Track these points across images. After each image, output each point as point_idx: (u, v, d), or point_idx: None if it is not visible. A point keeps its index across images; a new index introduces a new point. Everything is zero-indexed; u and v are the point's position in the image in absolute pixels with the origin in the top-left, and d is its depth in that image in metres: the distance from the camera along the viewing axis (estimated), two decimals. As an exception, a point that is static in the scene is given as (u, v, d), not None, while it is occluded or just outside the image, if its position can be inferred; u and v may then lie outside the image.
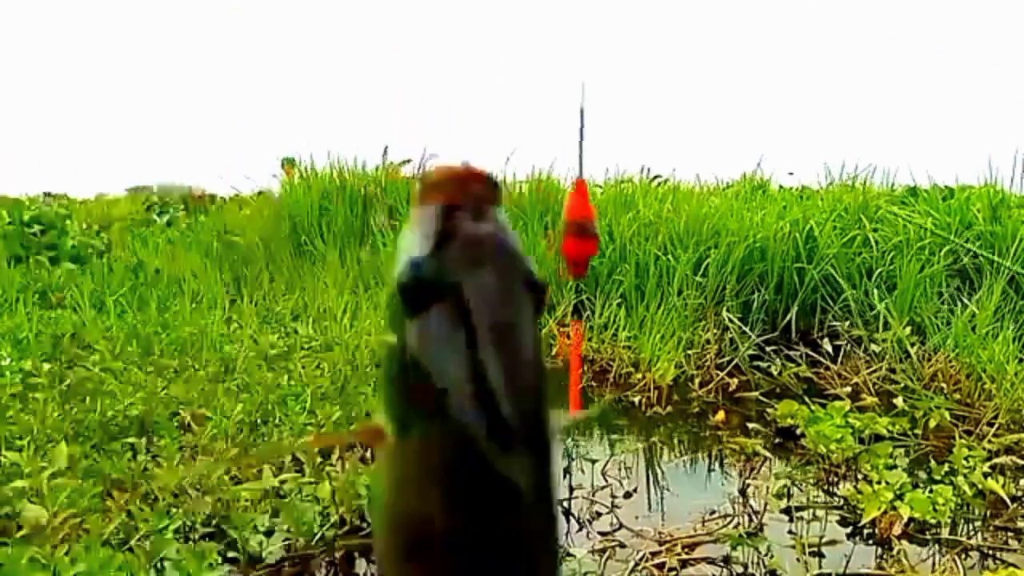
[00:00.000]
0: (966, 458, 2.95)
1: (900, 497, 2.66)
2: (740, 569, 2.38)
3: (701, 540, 2.54)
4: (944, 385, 3.96)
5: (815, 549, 2.48)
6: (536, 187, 6.65)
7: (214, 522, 2.51)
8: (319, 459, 2.89)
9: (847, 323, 4.75)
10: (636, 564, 2.39)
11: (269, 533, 2.48)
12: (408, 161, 7.63)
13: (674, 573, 2.34)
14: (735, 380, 4.37)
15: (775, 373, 4.42)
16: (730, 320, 4.76)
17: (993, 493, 2.79)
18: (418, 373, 0.47)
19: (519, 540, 0.49)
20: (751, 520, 2.68)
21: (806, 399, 3.64)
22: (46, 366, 3.87)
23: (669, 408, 4.03)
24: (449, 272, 0.46)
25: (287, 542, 2.43)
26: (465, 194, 0.47)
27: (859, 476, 3.00)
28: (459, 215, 0.47)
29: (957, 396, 3.85)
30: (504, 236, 0.48)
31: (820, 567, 2.37)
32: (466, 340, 0.46)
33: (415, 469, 0.48)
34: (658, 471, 3.26)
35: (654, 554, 2.44)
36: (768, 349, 4.67)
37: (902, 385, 3.98)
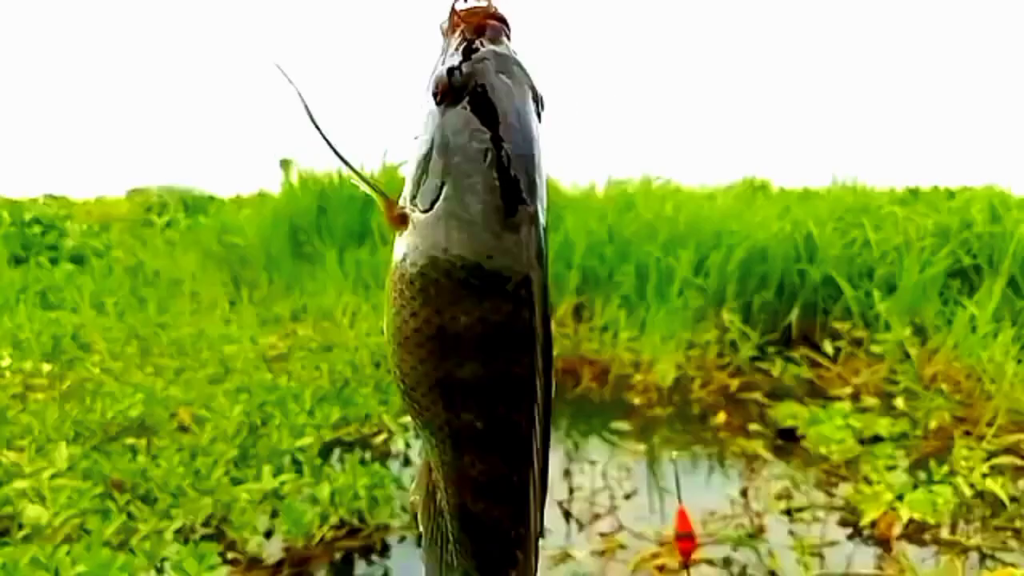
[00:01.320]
0: (966, 459, 2.95)
1: (900, 498, 2.66)
2: (740, 570, 2.38)
3: (702, 541, 2.53)
4: (944, 386, 3.96)
5: (815, 550, 2.48)
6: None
7: (214, 523, 2.51)
8: (318, 461, 2.89)
9: (848, 324, 4.75)
10: (636, 565, 2.39)
11: (268, 534, 2.48)
12: (408, 161, 7.63)
13: (674, 574, 2.34)
14: (736, 381, 4.37)
15: (776, 374, 4.41)
16: (731, 321, 4.76)
17: (992, 493, 2.79)
18: (444, 157, 0.55)
19: (518, 324, 0.55)
20: (752, 521, 2.68)
21: (807, 400, 3.64)
22: (46, 366, 3.87)
23: (670, 409, 4.03)
24: (476, 73, 0.56)
25: (286, 543, 2.43)
26: (485, 23, 0.57)
27: (859, 477, 3.00)
28: (482, 39, 0.57)
29: (957, 397, 3.85)
30: (516, 54, 0.58)
31: (820, 568, 2.37)
32: (488, 126, 0.55)
33: (430, 242, 0.55)
34: (658, 472, 3.26)
35: (654, 555, 2.44)
36: (769, 350, 4.67)
37: (902, 386, 3.98)
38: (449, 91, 0.56)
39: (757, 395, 4.14)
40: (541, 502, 0.59)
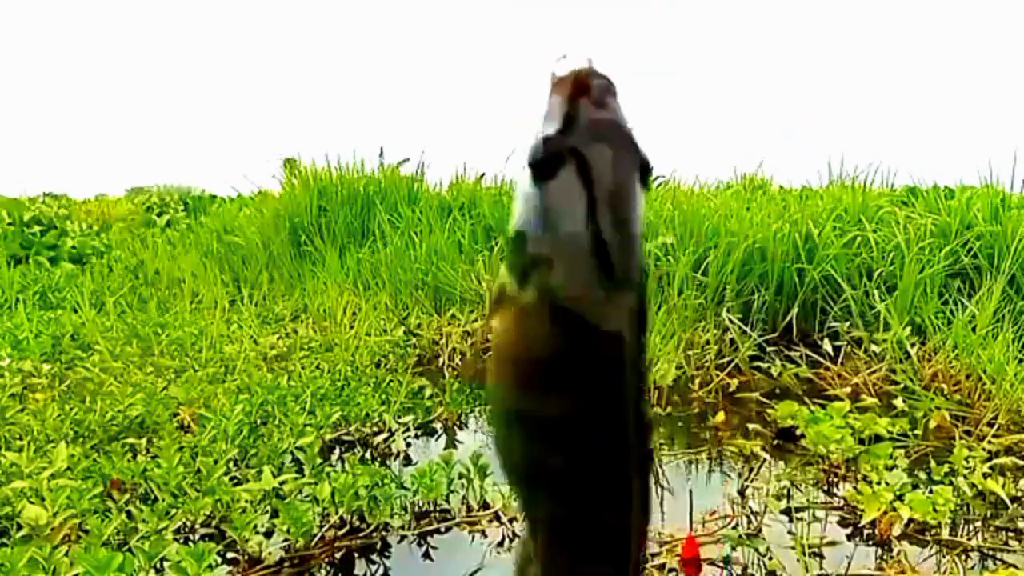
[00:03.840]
0: (966, 459, 2.95)
1: (900, 498, 2.66)
2: (740, 570, 2.37)
3: (701, 541, 2.53)
4: (944, 386, 3.96)
5: (815, 550, 2.48)
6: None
7: (214, 523, 2.51)
8: (318, 460, 2.89)
9: (847, 324, 4.75)
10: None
11: (268, 534, 2.48)
12: (407, 160, 7.63)
13: (674, 573, 2.34)
14: (735, 381, 4.37)
15: (775, 374, 4.41)
16: (730, 320, 4.76)
17: (993, 494, 2.79)
18: (541, 234, 0.56)
19: (619, 381, 0.58)
20: (751, 521, 2.68)
21: (806, 400, 3.64)
22: (46, 366, 3.87)
23: (669, 409, 4.03)
24: (574, 144, 0.56)
25: (286, 543, 2.43)
26: (588, 86, 0.57)
27: (859, 477, 3.00)
28: (583, 103, 0.56)
29: (957, 397, 3.85)
30: (621, 119, 0.58)
31: (820, 568, 2.37)
32: (586, 200, 0.56)
33: (530, 318, 0.57)
34: (658, 472, 3.25)
35: (654, 554, 2.44)
36: (768, 350, 4.67)
37: (902, 386, 3.97)
38: (545, 162, 0.56)
39: (756, 395, 4.14)
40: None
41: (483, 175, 7.41)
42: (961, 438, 3.27)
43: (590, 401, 0.57)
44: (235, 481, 2.74)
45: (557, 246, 0.55)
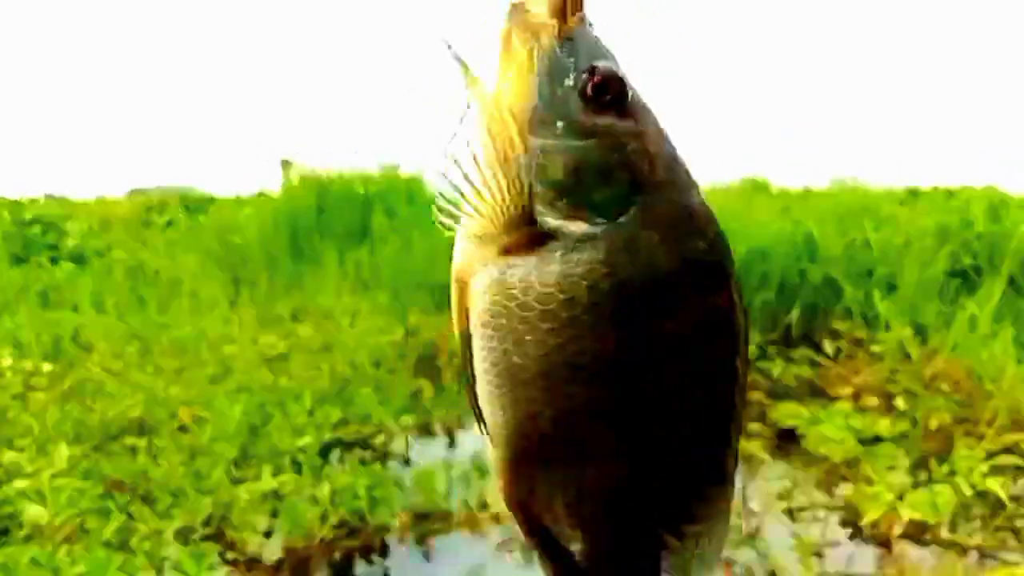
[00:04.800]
0: (966, 459, 2.95)
1: (900, 498, 2.66)
2: (740, 570, 2.37)
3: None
4: (944, 386, 3.96)
5: (816, 550, 2.48)
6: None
7: (214, 523, 2.51)
8: (318, 461, 2.89)
9: (848, 324, 4.75)
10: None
11: (268, 534, 2.48)
12: (407, 161, 7.63)
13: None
14: (735, 381, 4.36)
15: (776, 374, 4.41)
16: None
17: (993, 493, 2.79)
18: (632, 160, 0.51)
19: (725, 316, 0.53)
20: (752, 521, 2.68)
21: (807, 400, 3.64)
22: (46, 366, 3.87)
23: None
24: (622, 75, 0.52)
25: (286, 543, 2.43)
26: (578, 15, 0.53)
27: (860, 477, 3.00)
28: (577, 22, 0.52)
29: (957, 397, 3.85)
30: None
31: (820, 568, 2.37)
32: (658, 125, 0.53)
33: (629, 255, 0.50)
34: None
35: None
36: (769, 350, 4.67)
37: (903, 386, 3.97)
38: (621, 90, 0.51)
39: (757, 395, 4.14)
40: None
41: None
42: (961, 438, 3.27)
43: None
44: (235, 481, 2.74)
45: (654, 175, 0.51)
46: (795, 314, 5.00)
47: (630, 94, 0.51)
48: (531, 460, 0.53)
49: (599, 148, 0.50)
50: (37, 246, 8.13)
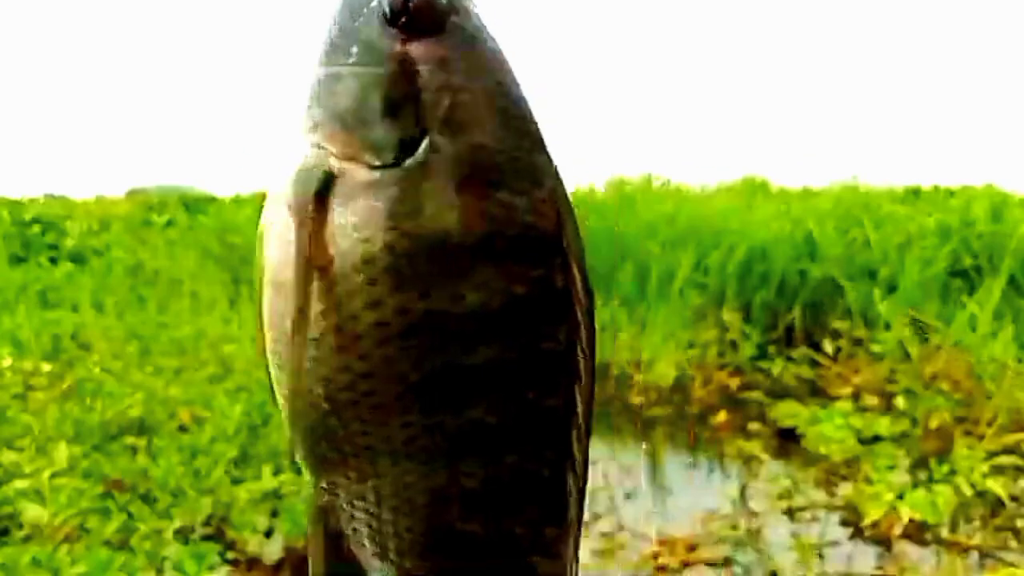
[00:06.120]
0: (966, 458, 2.95)
1: (900, 498, 2.66)
2: (740, 570, 2.37)
3: (701, 541, 2.53)
4: (944, 385, 3.96)
5: (816, 550, 2.48)
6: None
7: (214, 523, 2.51)
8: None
9: (848, 324, 4.75)
10: (636, 565, 2.39)
11: (268, 534, 2.48)
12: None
13: (674, 574, 2.34)
14: (736, 381, 4.36)
15: (776, 374, 4.41)
16: (731, 320, 4.76)
17: (993, 493, 2.79)
18: (426, 94, 0.42)
19: (550, 291, 0.44)
20: (752, 521, 2.68)
21: (807, 400, 3.64)
22: (46, 366, 3.87)
23: (669, 409, 4.03)
24: None
25: (286, 543, 2.42)
26: None
27: (860, 477, 3.00)
28: None
29: (957, 396, 3.85)
30: None
31: (820, 568, 2.37)
32: (481, 59, 0.43)
33: (413, 205, 0.41)
34: (658, 472, 3.25)
35: (654, 555, 2.44)
36: (769, 349, 4.67)
37: (903, 386, 3.97)
38: (426, 11, 0.42)
39: (757, 395, 4.14)
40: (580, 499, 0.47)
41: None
42: (961, 438, 3.27)
43: None
44: (235, 481, 2.74)
45: (453, 112, 0.42)
46: (795, 314, 5.00)
47: (452, 20, 0.42)
48: (329, 455, 0.44)
49: (388, 77, 0.41)
50: (37, 246, 8.13)
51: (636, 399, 4.12)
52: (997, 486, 2.78)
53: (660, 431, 3.76)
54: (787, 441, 3.46)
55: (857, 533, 2.63)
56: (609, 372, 4.47)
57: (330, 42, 0.43)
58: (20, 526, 2.26)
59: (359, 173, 0.41)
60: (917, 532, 2.59)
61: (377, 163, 0.41)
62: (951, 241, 5.05)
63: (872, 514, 2.60)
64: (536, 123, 0.44)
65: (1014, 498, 2.81)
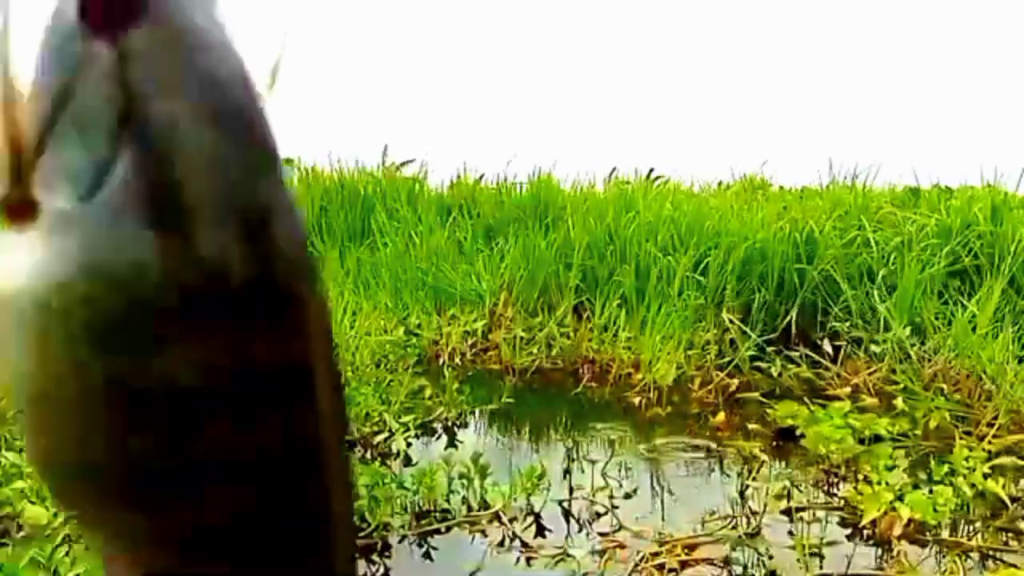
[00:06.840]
0: (966, 459, 2.95)
1: (900, 498, 2.66)
2: (740, 570, 2.38)
3: (701, 541, 2.54)
4: (944, 386, 3.96)
5: (815, 550, 2.48)
6: (536, 188, 6.67)
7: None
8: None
9: (847, 324, 4.75)
10: (636, 565, 2.39)
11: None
12: (411, 161, 7.63)
13: (674, 574, 2.34)
14: (735, 381, 4.37)
15: (775, 374, 4.41)
16: (730, 321, 4.76)
17: (993, 494, 2.79)
18: (125, 112, 0.34)
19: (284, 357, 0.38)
20: (751, 521, 2.68)
21: (806, 400, 3.64)
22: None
23: (669, 409, 4.03)
24: None
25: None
26: None
27: (859, 477, 3.00)
28: None
29: (957, 397, 3.85)
30: None
31: (820, 568, 2.37)
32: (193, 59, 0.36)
33: (107, 245, 0.34)
34: (658, 472, 3.26)
35: (654, 555, 2.44)
36: (768, 350, 4.67)
37: (902, 386, 3.97)
38: (106, 6, 0.34)
39: (757, 395, 4.14)
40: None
41: (482, 176, 7.41)
42: (961, 438, 3.27)
43: None
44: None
45: (150, 136, 0.34)
46: (794, 314, 5.00)
47: (150, 15, 0.34)
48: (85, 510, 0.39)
49: (77, 87, 0.34)
50: None
51: (636, 399, 4.13)
52: (997, 486, 2.78)
53: (660, 431, 3.76)
54: (786, 441, 3.46)
55: (856, 533, 2.63)
56: (609, 372, 4.48)
57: (37, 56, 0.35)
58: (20, 526, 2.26)
59: (57, 205, 0.34)
60: (917, 532, 2.59)
61: (71, 193, 0.34)
62: (951, 242, 5.05)
63: (872, 514, 2.60)
64: (266, 129, 0.37)
65: (1015, 498, 2.81)
